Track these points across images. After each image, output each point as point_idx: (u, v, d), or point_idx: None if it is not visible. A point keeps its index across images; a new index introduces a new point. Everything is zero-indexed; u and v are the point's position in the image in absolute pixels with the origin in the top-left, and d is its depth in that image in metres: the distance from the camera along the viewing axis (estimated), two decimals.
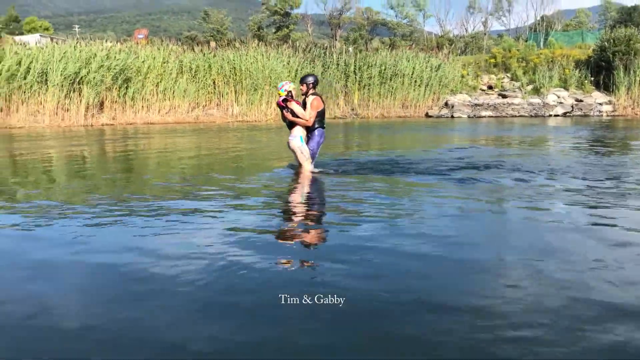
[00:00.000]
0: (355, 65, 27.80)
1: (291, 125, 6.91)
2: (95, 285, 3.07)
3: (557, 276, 3.06)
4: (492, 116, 27.07)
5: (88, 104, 21.51)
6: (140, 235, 4.15)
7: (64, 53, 21.29)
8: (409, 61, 27.91)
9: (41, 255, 3.60)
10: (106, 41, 27.38)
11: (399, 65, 27.71)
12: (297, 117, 6.76)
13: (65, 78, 20.69)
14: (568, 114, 27.16)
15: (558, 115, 26.92)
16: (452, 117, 26.84)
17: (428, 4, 70.02)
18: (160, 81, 23.77)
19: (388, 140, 14.59)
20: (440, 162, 8.18)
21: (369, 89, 27.79)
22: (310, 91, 6.88)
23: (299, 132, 6.83)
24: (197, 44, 33.29)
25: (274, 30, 73.88)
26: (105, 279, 3.17)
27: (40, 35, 54.43)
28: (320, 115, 6.92)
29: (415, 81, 27.91)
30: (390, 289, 2.90)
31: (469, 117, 26.95)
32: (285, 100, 6.76)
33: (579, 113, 27.17)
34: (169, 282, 3.04)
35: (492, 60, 31.43)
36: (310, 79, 6.90)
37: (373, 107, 27.82)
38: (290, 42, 37.55)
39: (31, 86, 20.28)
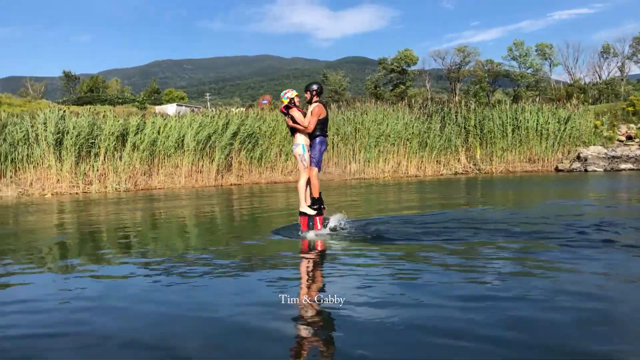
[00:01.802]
0: (475, 120, 27.50)
1: (293, 131, 7.19)
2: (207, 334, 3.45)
3: None
4: (633, 169, 24.91)
5: (218, 166, 23.63)
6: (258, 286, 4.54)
7: (199, 121, 23.80)
8: (531, 114, 27.03)
9: (164, 301, 4.11)
10: (236, 108, 30.04)
11: (521, 117, 26.93)
12: (297, 123, 7.03)
13: (198, 143, 23.03)
14: None
15: None
16: (586, 170, 25.15)
17: (555, 52, 67.58)
18: (284, 144, 25.46)
19: (513, 196, 14.10)
20: (575, 221, 7.80)
21: (491, 143, 27.21)
22: (314, 99, 7.16)
23: (301, 140, 7.09)
24: None
25: (390, 88, 75.58)
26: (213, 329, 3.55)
27: (177, 104, 61.14)
28: (322, 123, 7.12)
29: (541, 133, 26.83)
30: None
31: (605, 170, 25.06)
32: (287, 107, 7.14)
33: None
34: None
35: (631, 108, 29.29)
36: (314, 87, 7.17)
37: (496, 162, 27.08)
38: (406, 98, 38.19)
39: (169, 151, 22.77)
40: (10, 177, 20.76)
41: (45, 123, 21.25)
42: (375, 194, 16.28)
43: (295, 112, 7.07)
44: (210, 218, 10.93)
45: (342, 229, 7.31)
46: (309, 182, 7.28)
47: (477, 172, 26.70)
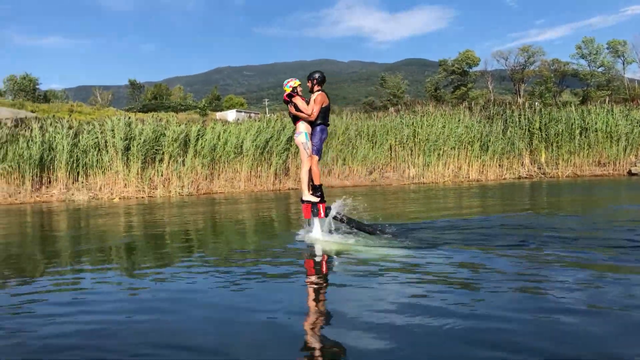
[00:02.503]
0: (540, 122, 26.59)
1: (295, 120, 7.31)
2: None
3: None
4: None
5: (276, 170, 24.09)
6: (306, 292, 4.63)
7: (257, 127, 24.38)
8: (599, 116, 25.85)
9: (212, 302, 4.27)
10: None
11: (588, 119, 25.81)
12: (301, 111, 7.14)
13: (256, 148, 23.57)
14: None
15: None
16: None
17: (628, 49, 64.26)
18: (341, 149, 25.61)
19: (582, 201, 13.53)
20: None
21: (557, 146, 26.23)
22: (316, 87, 7.30)
23: (303, 128, 7.20)
24: (374, 109, 35.14)
25: (451, 90, 74.29)
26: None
27: (237, 111, 62.76)
28: (324, 111, 7.24)
29: (611, 136, 25.60)
30: None
31: None
32: (290, 96, 7.25)
33: None
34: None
35: None
36: (316, 75, 7.33)
37: (563, 166, 26.06)
38: (468, 101, 37.44)
39: (228, 156, 23.44)
40: (82, 182, 22.01)
41: (113, 130, 22.40)
42: (434, 198, 16.08)
43: (298, 100, 7.24)
44: (268, 220, 11.18)
45: (341, 218, 7.40)
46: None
47: (542, 176, 25.78)
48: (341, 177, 25.59)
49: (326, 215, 7.33)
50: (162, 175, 22.48)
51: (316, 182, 7.27)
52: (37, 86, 63.37)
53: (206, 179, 23.26)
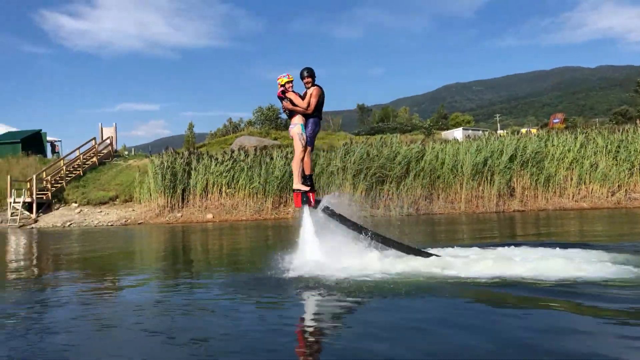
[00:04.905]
0: None
1: (291, 114, 7.62)
2: None
3: None
4: None
5: (499, 190, 23.58)
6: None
7: (475, 145, 24.32)
8: None
9: None
10: (527, 128, 29.43)
11: None
12: (296, 105, 7.48)
13: (474, 167, 23.52)
14: None
15: None
16: None
17: None
18: (575, 166, 23.90)
19: None
20: None
21: None
22: (309, 83, 7.61)
23: (299, 121, 7.53)
24: (628, 120, 31.65)
25: None
26: None
27: (463, 128, 62.32)
28: (319, 105, 7.58)
29: None
30: None
31: None
32: (283, 92, 7.56)
33: None
34: None
35: None
36: (305, 72, 7.59)
37: None
38: None
39: (447, 177, 23.87)
40: None
41: (346, 155, 24.95)
42: None
43: (293, 95, 7.55)
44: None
45: (331, 212, 7.37)
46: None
47: None
48: (575, 199, 23.75)
49: (315, 206, 7.54)
50: (384, 196, 24.00)
51: (307, 172, 7.68)
52: (279, 115, 72.49)
53: (425, 199, 24.02)
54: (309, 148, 7.70)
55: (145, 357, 3.70)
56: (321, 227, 7.45)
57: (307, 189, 7.60)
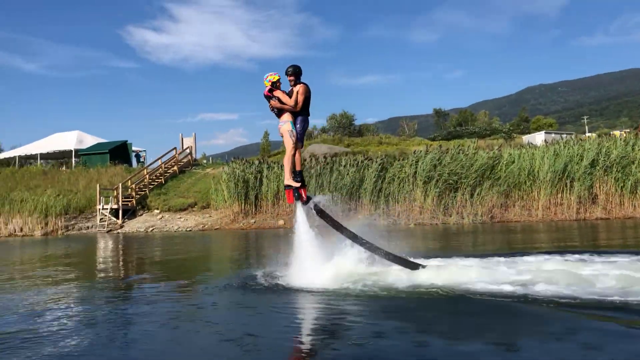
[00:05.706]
0: None
1: (280, 112, 7.70)
2: None
3: None
4: None
5: (579, 197, 22.53)
6: None
7: (553, 150, 23.42)
8: None
9: None
10: (620, 130, 27.86)
11: None
12: (284, 104, 7.57)
13: (553, 173, 22.63)
14: None
15: None
16: None
17: None
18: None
19: None
20: None
21: None
22: (293, 80, 7.69)
23: (288, 118, 7.65)
24: None
25: None
26: None
27: (545, 132, 59.75)
28: (306, 102, 7.71)
29: None
30: None
31: None
32: (270, 91, 7.64)
33: None
34: None
35: None
36: (290, 70, 7.69)
37: None
38: None
39: (523, 183, 23.14)
40: (383, 209, 24.88)
41: (417, 162, 24.83)
42: None
43: (280, 94, 7.65)
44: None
45: (319, 210, 7.54)
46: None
47: None
48: (608, 208, 22.45)
49: (306, 203, 7.70)
50: (457, 203, 23.64)
51: (297, 168, 7.83)
52: (353, 122, 72.74)
53: (501, 207, 23.39)
54: (299, 144, 7.95)
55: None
56: (314, 220, 7.74)
57: (299, 185, 7.83)
